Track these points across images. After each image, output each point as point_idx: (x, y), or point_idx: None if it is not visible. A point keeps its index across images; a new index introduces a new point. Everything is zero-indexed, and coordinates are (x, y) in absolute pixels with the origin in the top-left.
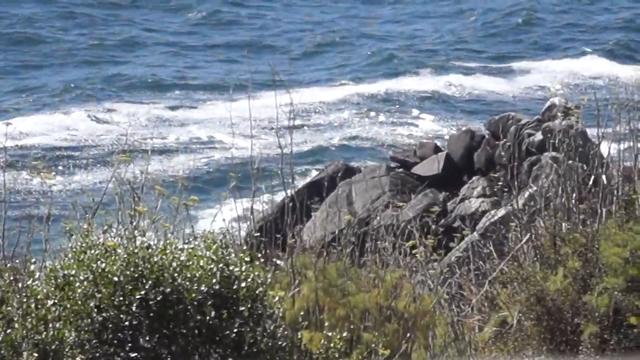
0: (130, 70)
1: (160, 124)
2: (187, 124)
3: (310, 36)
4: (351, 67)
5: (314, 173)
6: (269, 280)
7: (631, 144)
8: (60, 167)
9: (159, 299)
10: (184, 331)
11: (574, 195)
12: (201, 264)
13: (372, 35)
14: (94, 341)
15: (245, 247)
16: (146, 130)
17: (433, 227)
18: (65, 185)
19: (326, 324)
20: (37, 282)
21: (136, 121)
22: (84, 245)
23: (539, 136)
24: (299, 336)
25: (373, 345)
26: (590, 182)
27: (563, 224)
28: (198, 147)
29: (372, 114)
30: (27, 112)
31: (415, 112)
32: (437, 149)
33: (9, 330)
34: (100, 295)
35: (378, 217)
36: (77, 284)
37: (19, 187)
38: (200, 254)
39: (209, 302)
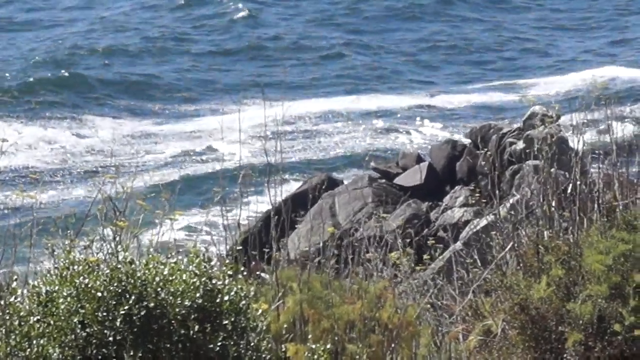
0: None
1: (146, 133)
2: (174, 132)
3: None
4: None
5: (298, 185)
6: (253, 293)
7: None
8: (45, 181)
9: (142, 313)
10: (168, 346)
11: (555, 203)
12: (184, 278)
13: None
14: (79, 357)
15: (228, 260)
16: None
17: (417, 238)
18: (50, 199)
19: (310, 336)
20: (19, 298)
21: (121, 132)
22: (66, 261)
23: (520, 145)
24: (284, 349)
25: (357, 357)
26: (571, 190)
27: (545, 232)
28: (184, 157)
29: (357, 125)
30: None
31: (401, 123)
32: (419, 159)
33: None
34: (83, 311)
35: (361, 229)
36: (61, 300)
37: (2, 201)
38: (183, 268)
39: (193, 316)
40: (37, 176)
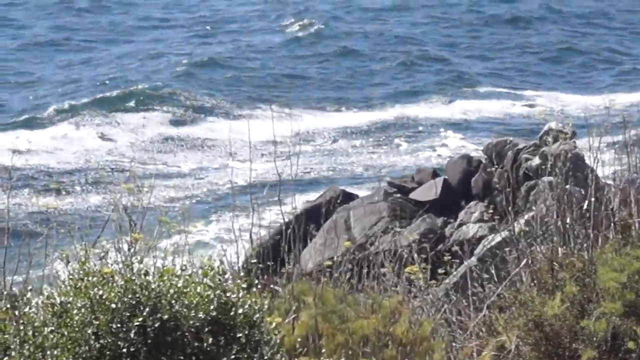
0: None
1: (166, 142)
2: (192, 143)
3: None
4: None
5: (313, 198)
6: (267, 306)
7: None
8: (61, 190)
9: (156, 325)
10: (182, 358)
11: (570, 219)
12: (198, 290)
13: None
14: None
15: (242, 274)
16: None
17: (432, 253)
18: (66, 207)
19: (324, 350)
20: (34, 309)
21: (141, 138)
22: (81, 272)
23: (536, 160)
24: None
25: None
26: (586, 206)
27: (560, 249)
28: (201, 168)
29: (376, 139)
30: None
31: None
32: (434, 174)
33: (6, 359)
34: (97, 322)
35: (376, 243)
36: (75, 311)
37: (21, 208)
38: (197, 280)
39: (206, 329)
40: (57, 185)
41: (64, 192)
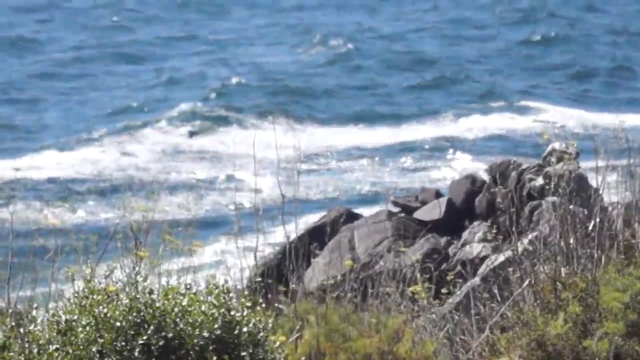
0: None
1: (177, 155)
2: (202, 156)
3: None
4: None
5: (317, 217)
6: (271, 325)
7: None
8: (69, 204)
9: (161, 344)
10: None
11: (574, 240)
12: (203, 309)
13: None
14: None
15: (247, 292)
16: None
17: (435, 272)
18: (73, 221)
19: None
20: (39, 327)
21: (153, 152)
22: (86, 290)
23: (540, 181)
24: None
25: None
26: (590, 227)
27: (563, 269)
28: (208, 184)
29: (379, 158)
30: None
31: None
32: (438, 194)
33: None
34: (102, 341)
35: (380, 262)
36: (80, 329)
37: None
38: (202, 299)
39: (211, 347)
40: (66, 204)
41: (73, 207)
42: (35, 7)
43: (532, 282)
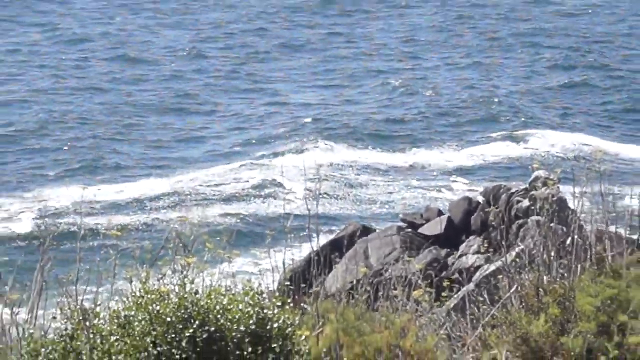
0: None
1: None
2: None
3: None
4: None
5: (337, 230)
6: (297, 321)
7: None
8: (129, 219)
9: (204, 336)
10: None
11: (554, 252)
12: (240, 307)
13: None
14: None
15: (277, 294)
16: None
17: (436, 279)
18: (132, 234)
19: (345, 359)
20: (102, 321)
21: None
22: (142, 290)
23: (526, 203)
24: None
25: None
26: (568, 242)
27: (544, 277)
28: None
29: (391, 178)
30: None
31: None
32: (440, 213)
33: None
34: (155, 333)
35: (390, 270)
36: (136, 323)
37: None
38: (239, 299)
39: (247, 340)
40: (120, 233)
41: (132, 221)
42: None
43: (518, 287)
